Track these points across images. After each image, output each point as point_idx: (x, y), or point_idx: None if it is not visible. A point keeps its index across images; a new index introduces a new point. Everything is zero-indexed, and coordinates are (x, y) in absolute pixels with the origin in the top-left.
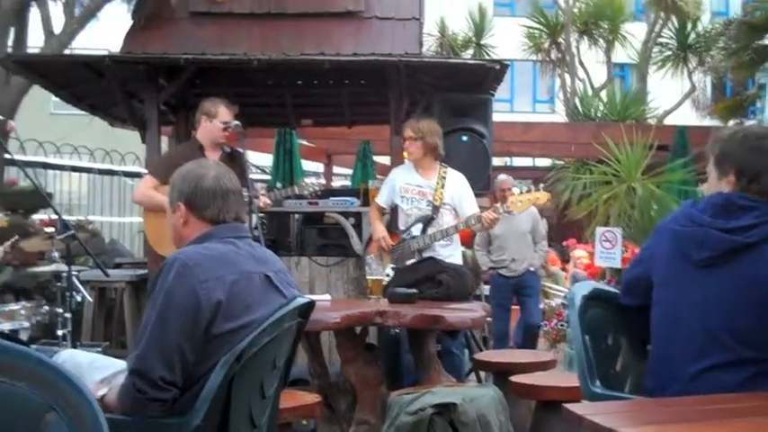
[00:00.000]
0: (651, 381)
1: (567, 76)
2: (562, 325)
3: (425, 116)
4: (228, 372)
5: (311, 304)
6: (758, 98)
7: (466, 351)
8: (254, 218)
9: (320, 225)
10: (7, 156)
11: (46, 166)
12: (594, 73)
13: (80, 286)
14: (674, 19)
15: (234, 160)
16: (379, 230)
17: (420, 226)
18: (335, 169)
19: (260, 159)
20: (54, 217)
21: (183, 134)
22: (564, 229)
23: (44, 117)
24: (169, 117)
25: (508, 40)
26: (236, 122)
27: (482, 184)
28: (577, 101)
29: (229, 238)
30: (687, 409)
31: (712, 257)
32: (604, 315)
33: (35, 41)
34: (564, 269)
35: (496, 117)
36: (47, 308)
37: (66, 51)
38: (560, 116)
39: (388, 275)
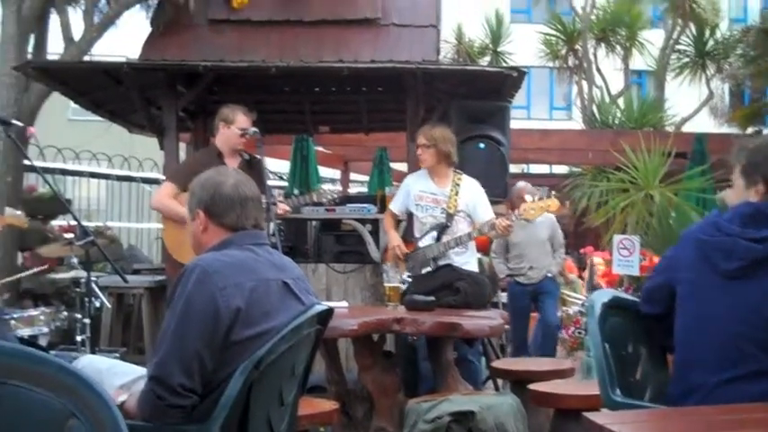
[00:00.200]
0: (674, 388)
1: (584, 83)
2: (580, 333)
3: (438, 123)
4: (247, 379)
5: (330, 311)
6: None
7: (483, 359)
8: (272, 225)
9: (337, 232)
10: (27, 162)
11: (65, 172)
12: (612, 80)
13: (99, 292)
14: (692, 26)
15: (253, 167)
16: (394, 239)
17: (434, 234)
18: (352, 176)
19: (277, 166)
20: (73, 223)
21: (200, 141)
22: (581, 236)
23: (62, 123)
24: (187, 124)
25: (525, 47)
26: (254, 129)
27: (499, 191)
28: (595, 108)
29: (248, 245)
30: (709, 418)
31: (741, 267)
32: (624, 323)
33: (55, 48)
34: (581, 277)
35: (513, 124)
36: (66, 313)
37: (86, 58)
38: (577, 123)
39: (403, 283)
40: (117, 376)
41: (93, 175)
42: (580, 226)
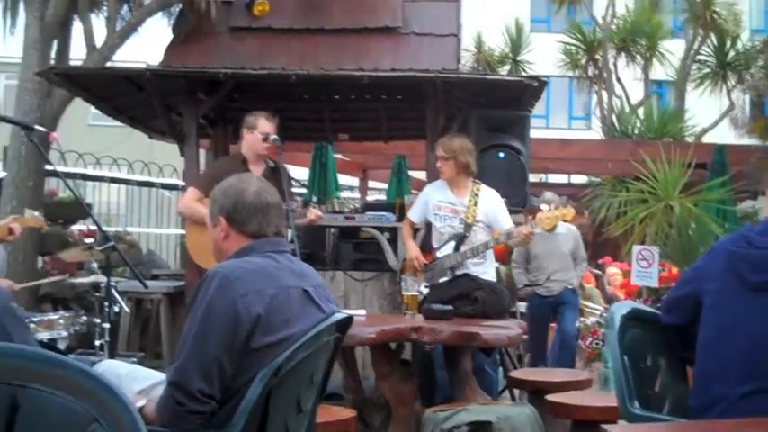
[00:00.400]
0: (695, 400)
1: (603, 93)
2: (597, 343)
3: (457, 134)
4: (266, 385)
5: (349, 320)
6: None
7: (500, 369)
8: (290, 232)
9: (356, 239)
10: (48, 167)
11: (85, 177)
12: (632, 90)
13: (118, 297)
14: (712, 36)
15: (277, 174)
16: (412, 249)
17: (453, 244)
18: (370, 183)
19: (296, 173)
20: (93, 228)
21: (220, 147)
22: (600, 246)
23: (82, 128)
24: (207, 130)
25: (545, 56)
26: (275, 137)
27: (518, 200)
28: (614, 118)
29: (269, 252)
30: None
31: None
32: (644, 335)
33: (77, 54)
34: (598, 287)
35: (532, 133)
36: (85, 318)
37: (108, 64)
38: (596, 133)
39: (421, 293)
40: (136, 381)
41: (113, 180)
42: (599, 236)
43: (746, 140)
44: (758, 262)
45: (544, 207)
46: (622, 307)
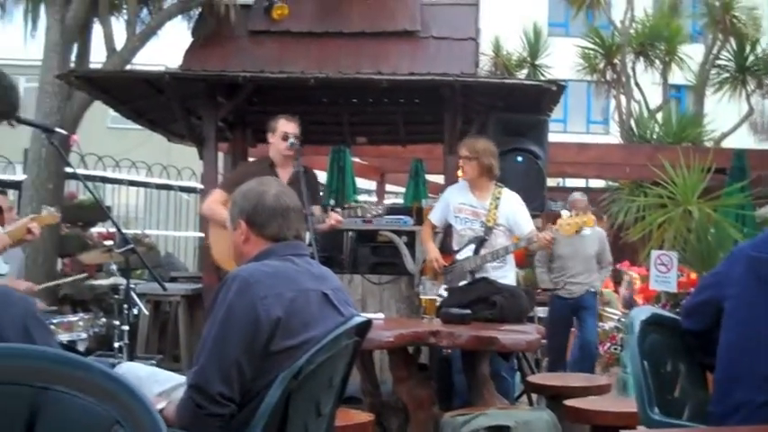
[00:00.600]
0: (716, 407)
1: (622, 98)
2: (616, 348)
3: (481, 136)
4: (286, 389)
5: (368, 323)
6: None
7: (517, 374)
8: (308, 235)
9: (373, 243)
10: (68, 169)
11: (104, 180)
12: (650, 94)
13: (137, 299)
14: (732, 41)
15: (303, 178)
16: (432, 251)
17: (473, 247)
18: (388, 187)
19: None
20: (112, 230)
21: (239, 151)
22: (618, 251)
23: (101, 131)
24: (226, 134)
25: (563, 60)
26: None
27: (537, 204)
28: (633, 122)
29: (289, 255)
30: None
31: None
32: (663, 340)
33: (97, 57)
34: (616, 291)
35: (550, 137)
36: (104, 320)
37: (127, 68)
38: (614, 137)
39: (440, 296)
40: (156, 383)
41: (132, 183)
42: (617, 241)
43: (766, 145)
44: None
45: (564, 213)
46: (642, 312)
